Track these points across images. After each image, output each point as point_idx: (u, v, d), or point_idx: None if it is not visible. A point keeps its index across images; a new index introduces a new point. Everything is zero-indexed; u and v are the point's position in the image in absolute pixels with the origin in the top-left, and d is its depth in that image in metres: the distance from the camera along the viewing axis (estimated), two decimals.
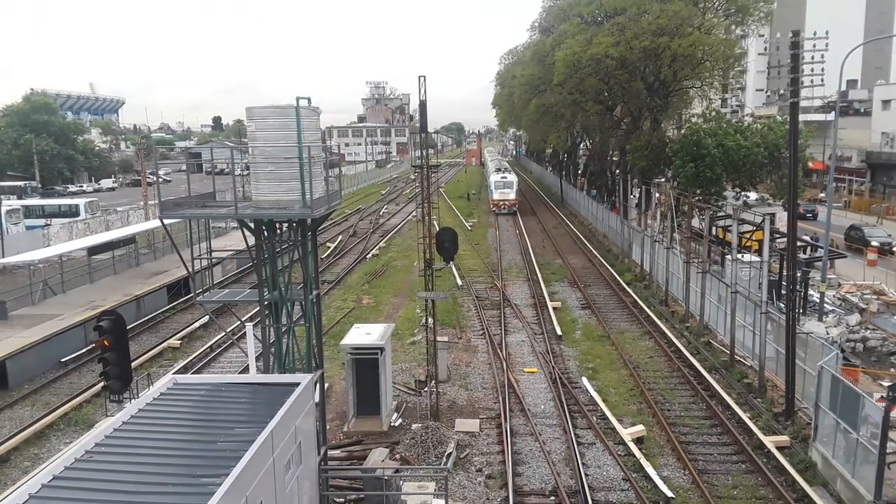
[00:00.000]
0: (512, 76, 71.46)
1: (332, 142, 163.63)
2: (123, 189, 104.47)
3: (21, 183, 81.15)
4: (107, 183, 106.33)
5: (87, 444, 9.45)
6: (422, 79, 19.81)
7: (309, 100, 13.00)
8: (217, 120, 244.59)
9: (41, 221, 53.73)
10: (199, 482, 8.44)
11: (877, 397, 16.17)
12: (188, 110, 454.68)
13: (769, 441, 18.14)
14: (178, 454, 9.40)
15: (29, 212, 56.61)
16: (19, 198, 69.24)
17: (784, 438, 18.39)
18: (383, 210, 75.21)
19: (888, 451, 14.29)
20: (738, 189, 40.31)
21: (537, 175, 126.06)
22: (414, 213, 35.48)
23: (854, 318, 27.42)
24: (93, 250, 35.38)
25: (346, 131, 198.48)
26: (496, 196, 69.26)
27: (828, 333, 24.63)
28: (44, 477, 8.50)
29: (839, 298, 30.78)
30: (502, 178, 71.23)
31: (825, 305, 28.32)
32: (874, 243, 40.96)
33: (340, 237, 55.32)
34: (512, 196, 68.92)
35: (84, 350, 26.40)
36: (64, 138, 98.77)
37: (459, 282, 38.01)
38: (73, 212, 57.20)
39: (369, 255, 47.80)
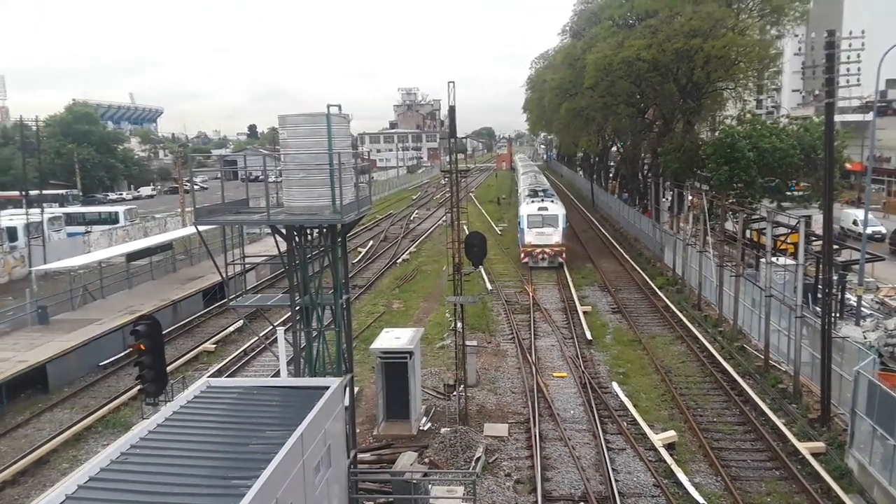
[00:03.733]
0: (543, 80, 71.01)
1: (363, 148, 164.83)
2: (162, 196, 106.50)
3: (63, 191, 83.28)
4: (146, 191, 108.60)
5: (122, 446, 9.71)
6: (451, 84, 19.98)
7: (339, 107, 13.21)
8: (252, 128, 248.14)
9: (82, 228, 55.13)
10: (231, 484, 8.62)
11: None
12: (225, 118, 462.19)
13: (804, 447, 17.84)
14: (211, 456, 9.61)
15: (70, 219, 58.03)
16: (61, 205, 70.96)
17: (819, 445, 18.07)
18: (414, 215, 75.52)
19: None
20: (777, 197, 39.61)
21: (568, 179, 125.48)
22: (444, 219, 35.11)
23: (893, 322, 26.71)
24: (131, 256, 36.15)
25: (378, 137, 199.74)
26: (531, 238, 42.75)
27: (865, 338, 24.07)
28: (80, 478, 8.75)
29: (877, 302, 30.12)
30: (540, 209, 43.93)
31: (862, 309, 27.73)
32: None
33: (371, 242, 55.73)
34: (557, 238, 42.54)
35: (122, 354, 26.99)
36: (104, 147, 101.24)
37: (489, 286, 38.02)
38: (112, 219, 58.61)
39: (399, 259, 48.06)
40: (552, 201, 46.75)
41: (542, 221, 43.03)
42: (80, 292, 32.60)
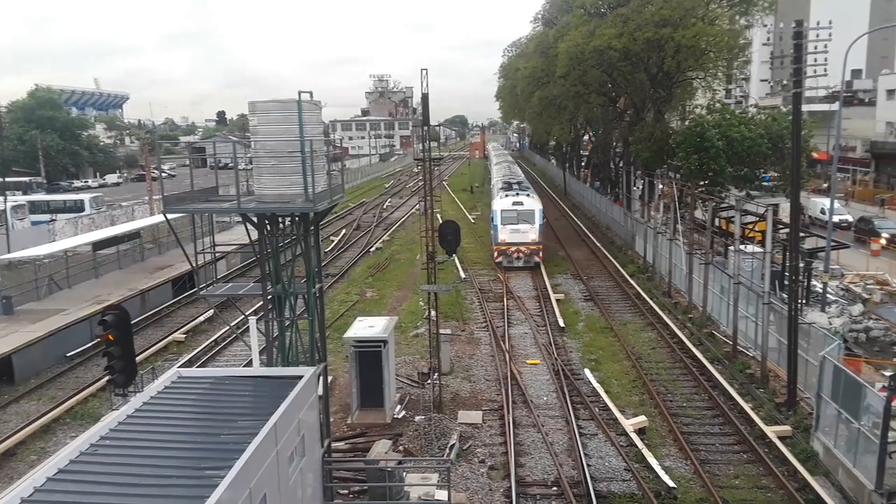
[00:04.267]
0: (515, 69, 70.87)
1: (335, 135, 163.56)
2: (128, 184, 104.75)
3: (26, 179, 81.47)
4: (112, 178, 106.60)
5: (92, 437, 9.55)
6: (424, 72, 19.86)
7: (311, 94, 13.05)
8: (221, 114, 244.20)
9: (46, 217, 53.97)
10: (203, 474, 8.53)
11: (879, 387, 16.22)
12: (193, 105, 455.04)
13: (771, 431, 18.21)
14: (183, 447, 9.50)
15: (34, 207, 56.82)
16: (24, 193, 69.47)
17: (786, 428, 18.46)
18: (387, 203, 75.25)
19: (889, 440, 14.33)
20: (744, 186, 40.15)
21: (541, 167, 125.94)
22: (417, 207, 34.63)
23: (857, 309, 27.43)
24: (98, 245, 35.54)
25: (350, 125, 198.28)
26: (504, 236, 39.79)
27: (830, 324, 24.67)
28: (49, 471, 8.60)
29: (842, 289, 30.78)
30: (515, 204, 41.01)
31: (828, 296, 28.32)
32: (885, 235, 41.02)
33: (344, 231, 55.44)
34: (533, 236, 39.63)
35: (90, 344, 26.55)
36: (69, 134, 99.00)
37: (462, 274, 38.08)
38: (78, 207, 57.43)
39: (373, 248, 47.90)
40: (528, 195, 43.31)
41: (517, 217, 39.92)
42: (46, 282, 31.98)
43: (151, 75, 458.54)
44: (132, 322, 15.32)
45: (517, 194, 42.97)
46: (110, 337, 13.47)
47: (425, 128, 20.74)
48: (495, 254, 40.42)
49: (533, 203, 41.46)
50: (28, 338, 25.06)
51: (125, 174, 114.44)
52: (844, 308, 27.61)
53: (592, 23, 44.56)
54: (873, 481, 14.43)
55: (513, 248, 39.40)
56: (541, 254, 39.73)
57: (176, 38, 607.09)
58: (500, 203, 41.57)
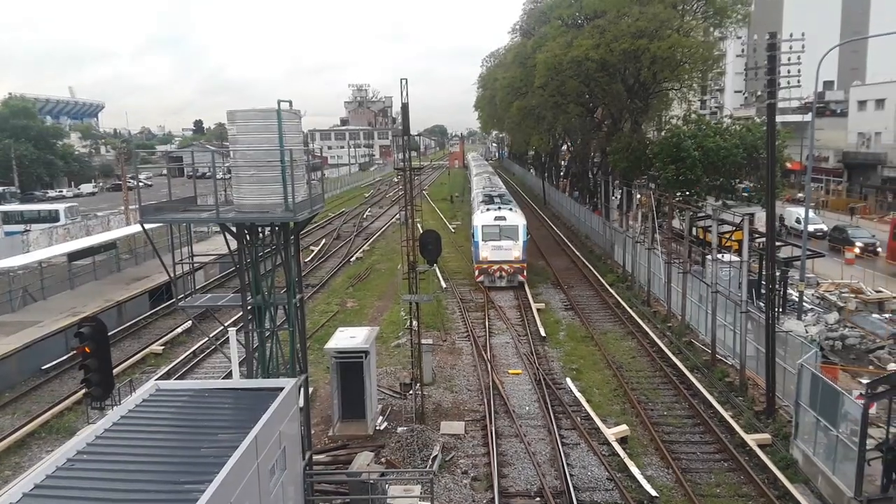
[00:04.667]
0: (494, 79, 71.33)
1: (314, 145, 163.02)
2: (104, 194, 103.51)
3: (0, 188, 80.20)
4: (87, 188, 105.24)
5: (68, 451, 9.39)
6: (404, 81, 19.89)
7: (290, 103, 13.02)
8: (199, 123, 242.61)
9: (20, 227, 53.14)
10: (183, 489, 8.41)
11: (856, 394, 16.39)
12: (170, 114, 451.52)
13: (751, 439, 18.34)
14: (162, 461, 9.36)
15: (8, 217, 55.97)
16: None
17: (765, 436, 18.60)
18: (367, 213, 75.07)
19: (868, 447, 14.49)
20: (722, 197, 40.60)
21: (520, 177, 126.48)
22: (397, 217, 34.37)
23: (833, 317, 27.79)
24: (73, 256, 35.04)
25: (329, 134, 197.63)
26: (486, 253, 37.41)
27: (807, 332, 24.93)
28: (25, 486, 8.44)
29: (818, 297, 31.18)
30: (497, 219, 38.60)
31: (804, 304, 28.66)
32: (858, 244, 41.69)
33: (324, 240, 55.18)
34: (517, 253, 37.21)
35: (65, 357, 26.10)
36: (43, 143, 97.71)
37: (444, 284, 38.03)
38: (52, 217, 56.62)
39: (353, 258, 47.71)
40: (510, 209, 40.88)
41: (499, 233, 37.52)
42: (20, 293, 31.44)
43: (128, 83, 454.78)
44: (109, 334, 15.07)
45: (499, 208, 40.73)
46: (87, 349, 13.25)
47: (405, 137, 20.74)
48: (476, 272, 38.13)
49: (516, 218, 39.22)
50: (2, 350, 24.58)
51: (101, 184, 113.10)
52: (820, 316, 27.96)
53: (570, 34, 44.98)
54: (852, 488, 14.57)
55: (495, 267, 37.15)
56: (525, 272, 37.53)
57: (153, 46, 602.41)
58: (481, 218, 39.22)
